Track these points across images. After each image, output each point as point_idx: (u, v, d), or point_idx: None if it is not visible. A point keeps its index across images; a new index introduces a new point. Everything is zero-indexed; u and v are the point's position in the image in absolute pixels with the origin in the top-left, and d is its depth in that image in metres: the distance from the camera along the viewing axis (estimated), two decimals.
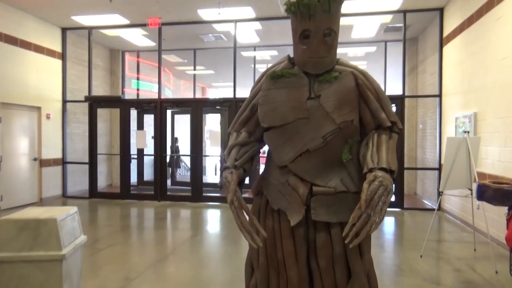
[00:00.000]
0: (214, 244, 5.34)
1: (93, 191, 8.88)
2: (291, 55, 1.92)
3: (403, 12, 7.54)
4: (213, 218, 7.18)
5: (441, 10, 7.44)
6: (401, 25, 7.84)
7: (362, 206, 1.47)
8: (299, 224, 1.71)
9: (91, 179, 8.89)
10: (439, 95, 7.52)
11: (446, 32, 7.26)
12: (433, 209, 7.36)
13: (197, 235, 5.72)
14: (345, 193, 1.72)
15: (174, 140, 11.57)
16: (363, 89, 1.77)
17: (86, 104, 8.92)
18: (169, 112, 11.01)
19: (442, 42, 7.44)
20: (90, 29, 8.63)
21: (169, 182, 10.33)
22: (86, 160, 8.90)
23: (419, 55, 9.28)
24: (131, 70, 10.91)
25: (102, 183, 10.08)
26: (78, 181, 9.29)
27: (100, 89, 10.13)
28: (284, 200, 1.78)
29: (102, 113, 10.05)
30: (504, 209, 3.48)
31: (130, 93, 10.72)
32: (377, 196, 1.47)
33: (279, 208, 1.78)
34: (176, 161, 11.44)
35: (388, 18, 8.05)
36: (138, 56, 10.99)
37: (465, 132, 4.41)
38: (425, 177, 8.73)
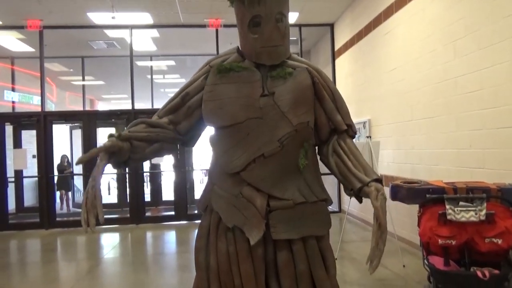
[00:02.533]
0: (121, 272, 4.76)
1: None
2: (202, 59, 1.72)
3: (299, 26, 7.93)
4: (113, 243, 6.47)
5: (331, 26, 8.02)
6: (296, 38, 8.22)
7: (383, 227, 1.39)
8: (257, 244, 1.48)
9: None
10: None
11: (337, 46, 7.83)
12: (335, 212, 7.80)
13: (98, 264, 5.04)
14: (304, 204, 1.55)
15: (62, 158, 10.19)
16: (319, 88, 1.63)
17: None
18: (66, 127, 9.88)
19: (334, 55, 8.01)
20: None
21: (58, 207, 9.15)
22: None
23: None
24: (3, 79, 9.39)
25: None
26: None
27: None
28: (239, 215, 1.53)
29: None
30: (411, 208, 3.76)
31: (3, 106, 9.20)
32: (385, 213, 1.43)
33: (235, 225, 1.53)
34: (65, 183, 10.06)
35: None
36: (12, 64, 9.53)
37: (367, 137, 4.72)
38: (324, 181, 9.22)
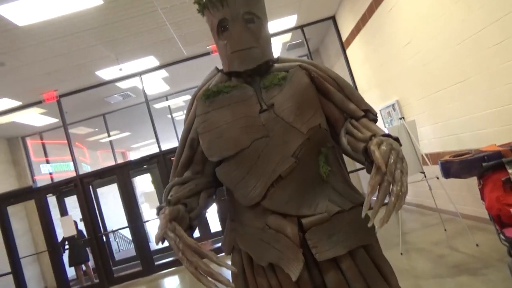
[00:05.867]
0: None
1: None
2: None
3: (300, 27, 7.78)
4: (174, 287, 6.41)
5: (333, 18, 7.82)
6: (301, 40, 8.07)
7: (381, 165, 1.08)
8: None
9: None
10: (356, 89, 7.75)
11: (344, 36, 7.60)
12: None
13: None
14: (341, 214, 1.35)
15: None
16: (320, 82, 1.45)
17: None
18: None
19: (343, 47, 7.78)
20: None
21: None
22: (7, 269, 7.54)
23: (325, 64, 9.66)
24: (37, 155, 9.79)
25: None
26: None
27: (5, 185, 8.83)
28: (271, 250, 1.34)
29: (15, 211, 8.74)
30: (468, 180, 3.44)
31: (44, 180, 9.55)
32: (392, 161, 1.10)
33: (269, 262, 1.35)
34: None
35: (288, 37, 8.26)
36: (41, 138, 9.93)
37: (400, 118, 4.44)
38: (365, 174, 8.86)
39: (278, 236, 1.33)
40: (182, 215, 1.27)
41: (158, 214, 1.27)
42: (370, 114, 1.47)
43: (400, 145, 1.21)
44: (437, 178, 4.19)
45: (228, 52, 1.40)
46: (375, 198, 1.18)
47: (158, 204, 1.38)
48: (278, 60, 1.53)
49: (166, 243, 1.23)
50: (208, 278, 1.14)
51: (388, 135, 1.23)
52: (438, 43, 4.39)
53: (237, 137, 1.36)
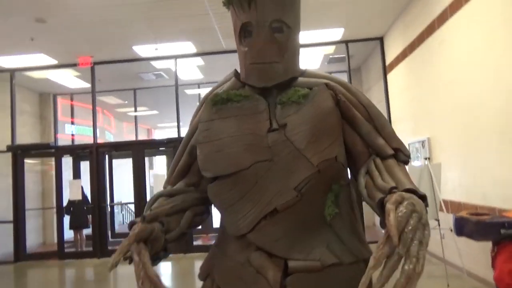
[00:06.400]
0: None
1: (19, 253, 7.66)
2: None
3: (345, 42, 7.53)
4: (164, 273, 6.34)
5: (381, 39, 7.53)
6: (344, 55, 7.82)
7: (393, 236, 0.85)
8: None
9: (17, 239, 7.69)
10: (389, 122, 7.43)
11: (389, 60, 7.30)
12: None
13: None
14: (337, 267, 1.15)
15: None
16: (346, 107, 1.23)
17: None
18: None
19: (385, 70, 7.47)
20: (12, 71, 7.77)
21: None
22: (11, 218, 7.72)
23: (363, 84, 9.35)
24: (64, 114, 9.99)
25: (32, 242, 8.82)
26: (2, 243, 8.00)
27: (28, 137, 9.06)
28: None
29: (31, 164, 8.96)
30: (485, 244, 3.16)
31: (65, 140, 9.75)
32: (410, 229, 0.87)
33: None
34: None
35: (331, 49, 8.03)
36: (71, 99, 10.14)
37: (425, 159, 4.16)
38: None
39: (258, 277, 1.15)
40: (156, 236, 1.12)
41: (129, 229, 1.12)
42: (400, 154, 1.24)
43: (426, 205, 1.00)
44: (451, 230, 3.88)
45: (247, 61, 1.23)
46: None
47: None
48: (304, 73, 1.33)
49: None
50: None
51: (413, 191, 1.02)
52: (487, 86, 4.05)
53: (237, 156, 1.19)
